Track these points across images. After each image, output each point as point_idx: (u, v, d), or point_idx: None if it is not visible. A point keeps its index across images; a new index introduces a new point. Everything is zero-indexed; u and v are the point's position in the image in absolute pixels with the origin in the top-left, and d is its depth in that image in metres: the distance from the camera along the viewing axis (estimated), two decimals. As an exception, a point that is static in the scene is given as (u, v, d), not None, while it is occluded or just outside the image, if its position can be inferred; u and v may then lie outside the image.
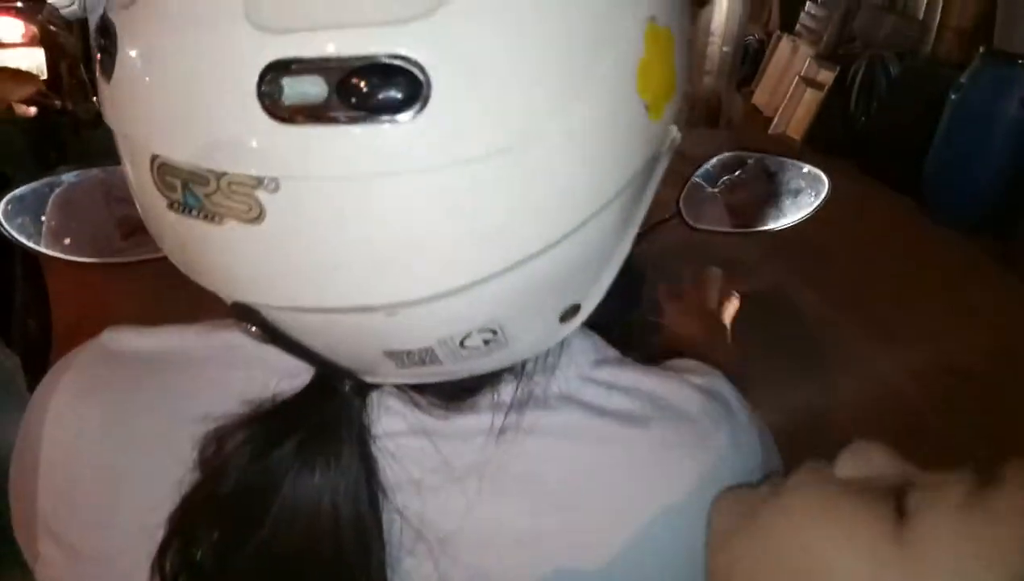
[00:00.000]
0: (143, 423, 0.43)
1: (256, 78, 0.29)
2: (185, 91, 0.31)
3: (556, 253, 0.35)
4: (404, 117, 0.30)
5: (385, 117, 0.30)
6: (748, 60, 5.32)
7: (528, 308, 0.38)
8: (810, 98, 4.63)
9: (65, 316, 2.19)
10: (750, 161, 0.92)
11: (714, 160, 0.91)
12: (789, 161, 0.90)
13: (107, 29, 0.34)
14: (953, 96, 3.63)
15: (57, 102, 3.00)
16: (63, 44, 3.25)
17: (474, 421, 0.42)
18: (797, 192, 0.90)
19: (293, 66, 0.29)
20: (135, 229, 0.80)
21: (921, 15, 4.23)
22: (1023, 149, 3.43)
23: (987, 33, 3.57)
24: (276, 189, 0.30)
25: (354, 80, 0.29)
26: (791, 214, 0.90)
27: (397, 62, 0.29)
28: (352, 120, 0.29)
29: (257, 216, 0.31)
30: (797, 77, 4.72)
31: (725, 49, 4.37)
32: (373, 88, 0.29)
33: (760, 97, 5.19)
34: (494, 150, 0.31)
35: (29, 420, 0.45)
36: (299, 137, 0.30)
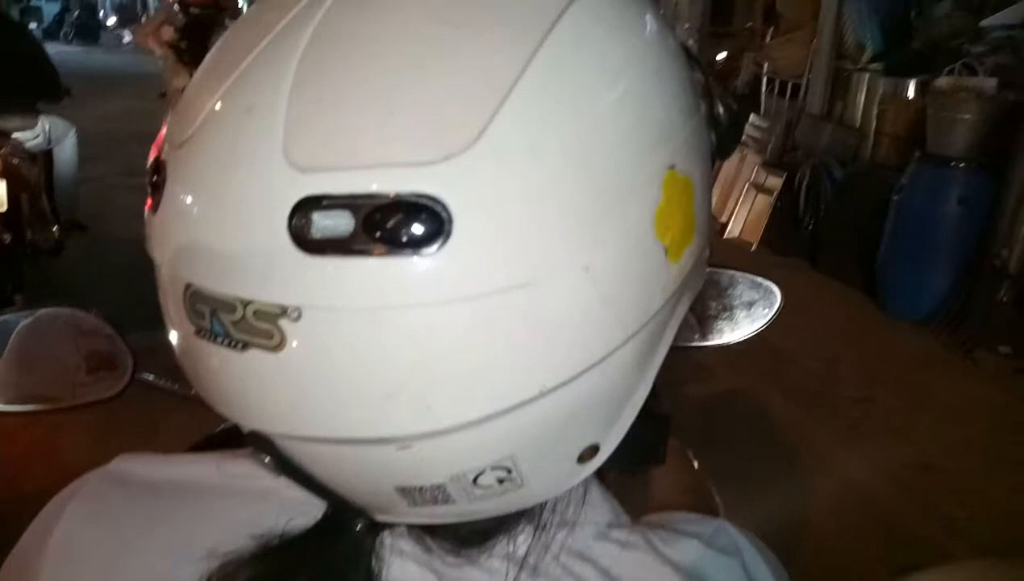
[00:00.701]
0: (148, 557, 0.41)
1: (288, 212, 0.31)
2: (222, 225, 0.33)
3: (573, 390, 0.35)
4: (426, 252, 0.31)
5: (408, 251, 0.31)
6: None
7: (544, 446, 0.37)
8: (761, 203, 4.81)
9: (12, 453, 2.10)
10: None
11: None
12: (740, 274, 0.92)
13: (159, 167, 0.36)
14: (895, 197, 3.80)
15: (6, 236, 2.99)
16: (25, 176, 3.28)
17: (486, 577, 0.41)
18: (751, 304, 0.91)
19: (324, 201, 0.31)
20: (101, 364, 0.78)
21: (858, 124, 4.47)
22: (967, 244, 3.57)
23: (920, 138, 3.79)
24: (299, 318, 0.31)
25: (380, 216, 0.31)
26: (746, 327, 0.91)
27: (422, 201, 0.31)
28: (376, 253, 0.31)
29: (278, 344, 0.32)
30: (747, 184, 4.91)
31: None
32: (398, 224, 0.31)
33: (714, 203, 5.38)
34: (512, 286, 0.32)
35: (28, 548, 0.44)
36: (324, 268, 0.31)
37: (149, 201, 0.37)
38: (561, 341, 0.34)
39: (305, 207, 0.31)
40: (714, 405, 2.92)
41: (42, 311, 0.77)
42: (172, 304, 0.36)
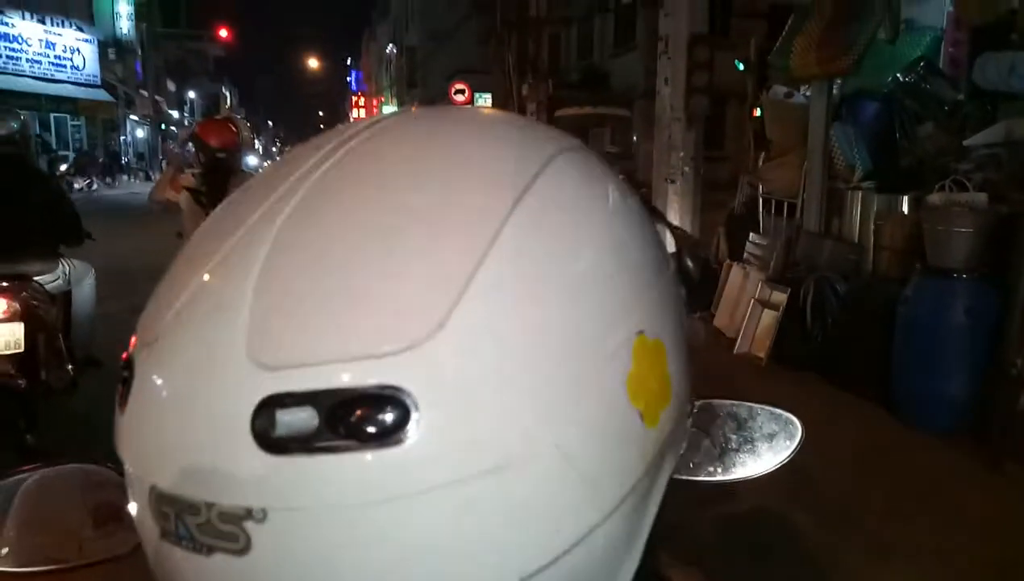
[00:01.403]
0: None
1: (252, 412, 0.31)
2: (185, 427, 0.33)
3: (555, 572, 0.34)
4: (392, 444, 0.30)
5: (373, 445, 0.30)
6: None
7: None
8: (767, 318, 4.84)
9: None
10: (722, 409, 0.94)
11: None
12: (759, 407, 0.93)
13: (129, 364, 0.36)
14: (901, 308, 3.83)
15: (21, 382, 3.02)
16: (44, 318, 3.34)
17: None
18: (772, 436, 0.92)
19: (287, 399, 0.30)
20: (110, 516, 0.77)
21: (856, 239, 4.57)
22: (979, 353, 3.56)
23: (918, 250, 3.86)
24: (264, 519, 0.31)
25: (343, 410, 0.30)
26: (768, 459, 0.91)
27: (386, 392, 0.31)
28: (341, 449, 0.30)
29: (244, 547, 0.31)
30: (752, 300, 4.97)
31: (681, 279, 4.64)
32: (362, 417, 0.30)
33: (720, 320, 5.42)
34: (483, 472, 0.32)
35: None
36: (289, 468, 0.30)
37: (117, 399, 0.37)
38: (539, 524, 0.34)
39: (269, 406, 0.30)
40: (739, 527, 2.82)
41: (46, 470, 0.77)
42: (139, 505, 0.35)
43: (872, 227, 4.47)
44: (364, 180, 0.38)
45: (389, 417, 0.31)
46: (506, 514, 0.33)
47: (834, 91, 4.79)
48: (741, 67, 7.31)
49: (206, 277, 0.35)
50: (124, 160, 22.86)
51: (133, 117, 28.28)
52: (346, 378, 0.31)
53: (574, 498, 0.34)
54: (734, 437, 0.92)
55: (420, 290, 0.33)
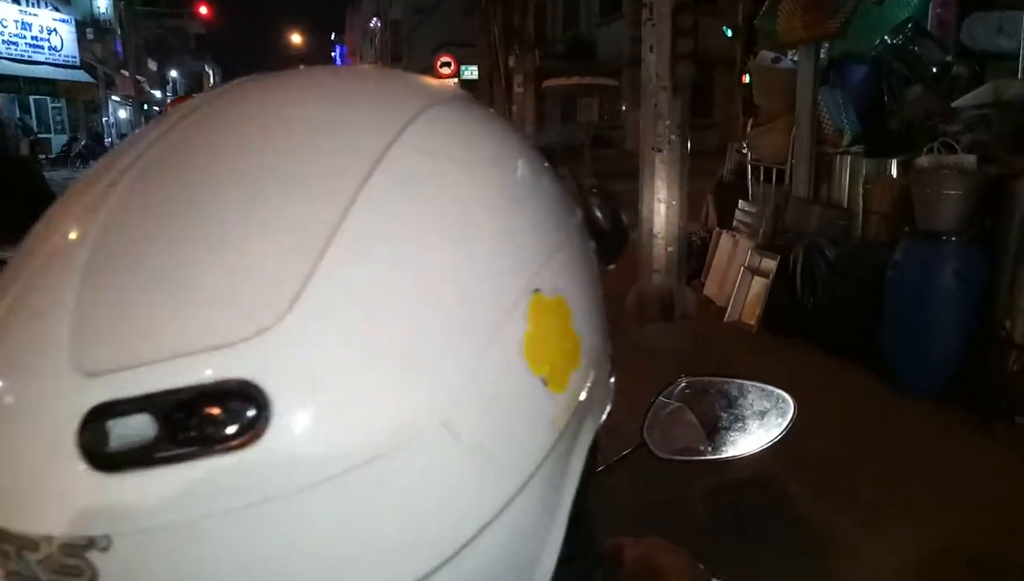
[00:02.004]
0: None
1: (76, 428, 0.27)
2: (10, 454, 0.28)
3: (467, 560, 0.31)
4: (244, 446, 0.27)
5: (222, 449, 0.27)
6: (694, 256, 5.62)
7: None
8: (757, 285, 4.84)
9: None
10: (712, 386, 0.93)
11: (670, 388, 0.92)
12: (750, 383, 0.91)
13: None
14: (890, 272, 3.83)
15: None
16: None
17: None
18: (763, 414, 0.90)
19: (117, 407, 0.27)
20: None
21: (845, 204, 4.56)
22: (968, 316, 3.57)
23: (908, 214, 3.85)
24: (108, 547, 0.27)
25: (183, 414, 0.27)
26: (760, 437, 0.89)
27: (231, 387, 0.27)
28: (185, 458, 0.27)
29: None
30: (742, 268, 4.96)
31: (670, 249, 4.62)
32: (206, 420, 0.27)
33: (710, 289, 5.41)
34: (355, 464, 0.28)
35: None
36: (127, 486, 0.27)
37: None
38: (436, 512, 0.30)
39: (97, 418, 0.27)
40: (730, 494, 2.84)
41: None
42: None
43: (861, 191, 4.46)
44: (198, 153, 0.34)
45: (238, 415, 0.27)
46: (391, 510, 0.29)
47: (821, 55, 4.75)
48: (729, 33, 7.26)
49: (22, 283, 0.31)
50: (108, 141, 22.52)
51: (115, 98, 27.88)
52: (184, 376, 0.27)
53: (471, 482, 0.31)
54: (724, 415, 0.90)
55: (267, 264, 0.30)
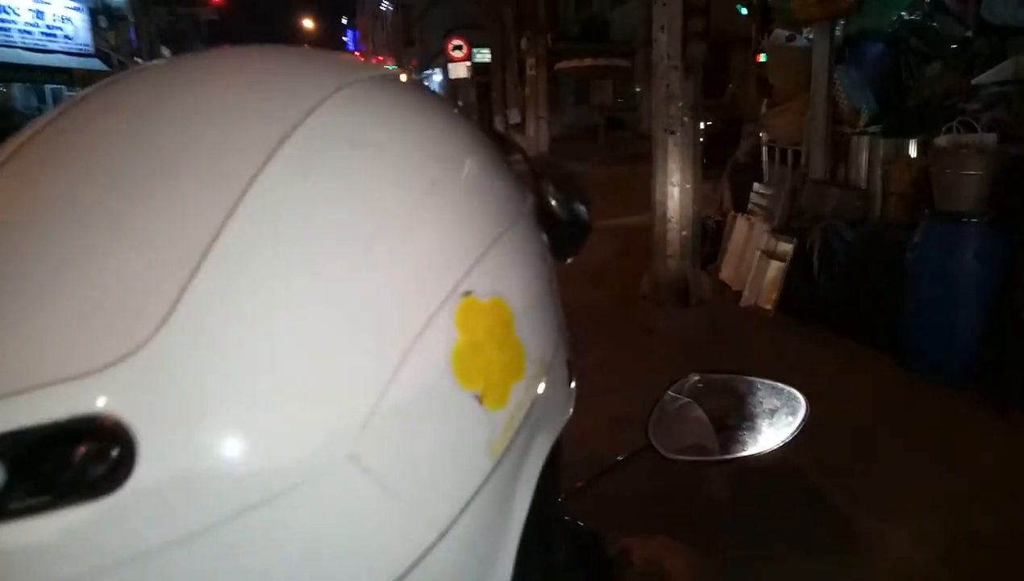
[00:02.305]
0: None
1: None
2: None
3: None
4: (107, 493, 0.23)
5: (80, 498, 0.23)
6: (709, 239, 5.56)
7: None
8: (774, 269, 4.78)
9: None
10: (720, 383, 0.90)
11: (678, 384, 0.89)
12: (759, 380, 0.88)
13: None
14: (909, 255, 3.76)
15: None
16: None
17: None
18: (773, 412, 0.87)
19: None
20: None
21: (863, 185, 4.48)
22: (988, 299, 3.50)
23: (927, 196, 3.77)
24: None
25: (36, 458, 0.23)
26: (771, 437, 0.86)
27: (90, 424, 0.23)
28: (38, 510, 0.23)
29: None
30: (758, 252, 4.90)
31: (684, 233, 4.57)
32: (59, 463, 0.23)
33: (726, 273, 5.36)
34: (243, 508, 0.24)
35: None
36: None
37: None
38: (346, 558, 0.27)
39: None
40: (745, 482, 2.81)
41: None
42: None
43: (879, 172, 4.38)
44: (69, 151, 0.29)
45: (98, 457, 0.23)
46: (291, 558, 0.26)
47: (837, 32, 4.64)
48: (744, 11, 7.13)
49: None
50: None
51: (129, 86, 27.90)
52: (34, 412, 0.23)
53: (387, 521, 0.27)
54: (733, 414, 0.88)
55: (135, 279, 0.25)
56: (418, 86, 0.40)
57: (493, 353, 0.32)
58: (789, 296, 4.62)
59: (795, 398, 0.86)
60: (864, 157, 4.48)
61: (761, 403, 0.87)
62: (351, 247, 0.29)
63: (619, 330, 4.71)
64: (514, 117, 17.03)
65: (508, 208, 0.36)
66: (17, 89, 20.01)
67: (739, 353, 4.24)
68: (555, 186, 0.44)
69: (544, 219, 0.41)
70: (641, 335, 4.58)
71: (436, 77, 30.55)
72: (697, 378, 0.88)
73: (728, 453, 0.87)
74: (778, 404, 0.87)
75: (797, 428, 0.86)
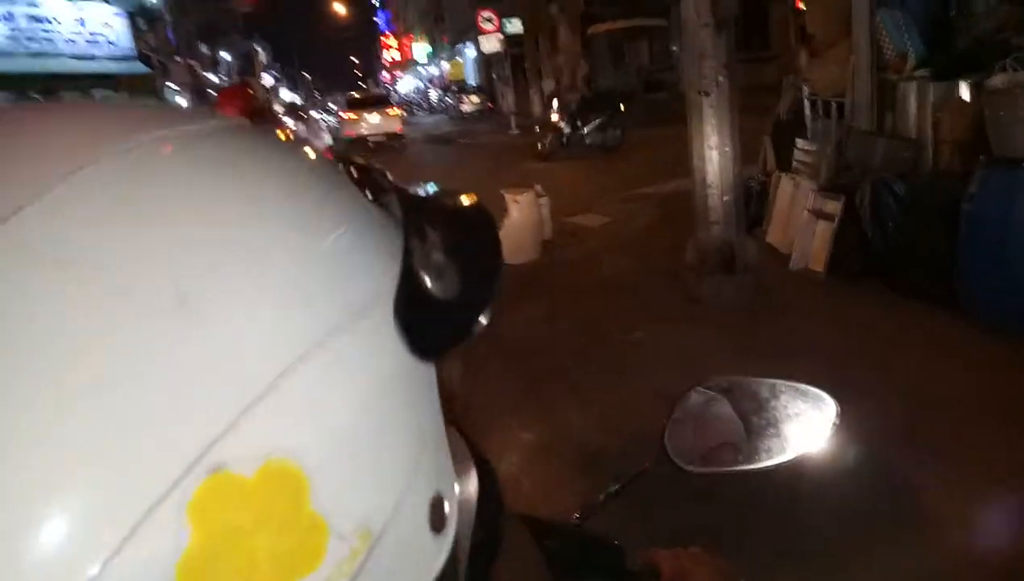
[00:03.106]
0: None
1: None
2: None
3: None
4: None
5: None
6: (753, 202, 5.38)
7: None
8: (822, 229, 4.60)
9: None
10: (739, 388, 0.83)
11: (694, 391, 0.83)
12: (783, 383, 0.81)
13: None
14: (966, 206, 3.57)
15: None
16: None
17: None
18: (798, 417, 0.80)
19: None
20: None
21: (913, 134, 4.26)
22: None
23: (983, 141, 3.56)
24: None
25: None
26: (797, 444, 0.79)
27: None
28: None
29: None
30: (805, 211, 4.72)
31: (726, 198, 4.42)
32: None
33: (773, 236, 5.18)
34: None
35: None
36: None
37: None
38: None
39: None
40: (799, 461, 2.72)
41: None
42: None
43: (929, 120, 4.15)
44: None
45: None
46: None
47: (879, -27, 4.40)
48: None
49: None
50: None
51: (171, 85, 28.51)
52: None
53: None
54: (754, 419, 0.81)
55: None
56: (222, 144, 0.31)
57: (260, 545, 0.23)
58: (840, 256, 4.45)
59: (823, 400, 0.79)
60: (912, 104, 4.25)
61: (785, 407, 0.80)
62: (17, 422, 0.21)
63: (662, 302, 4.61)
64: (549, 86, 16.79)
65: (330, 309, 0.28)
66: (67, 99, 20.62)
67: (790, 320, 4.10)
68: (446, 234, 0.35)
69: (414, 297, 0.31)
70: (686, 306, 4.48)
71: (469, 52, 30.34)
72: (710, 383, 0.82)
73: (753, 463, 0.81)
74: (804, 408, 0.80)
75: (828, 433, 0.79)
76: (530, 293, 5.03)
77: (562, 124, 11.37)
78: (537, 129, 13.52)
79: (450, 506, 0.30)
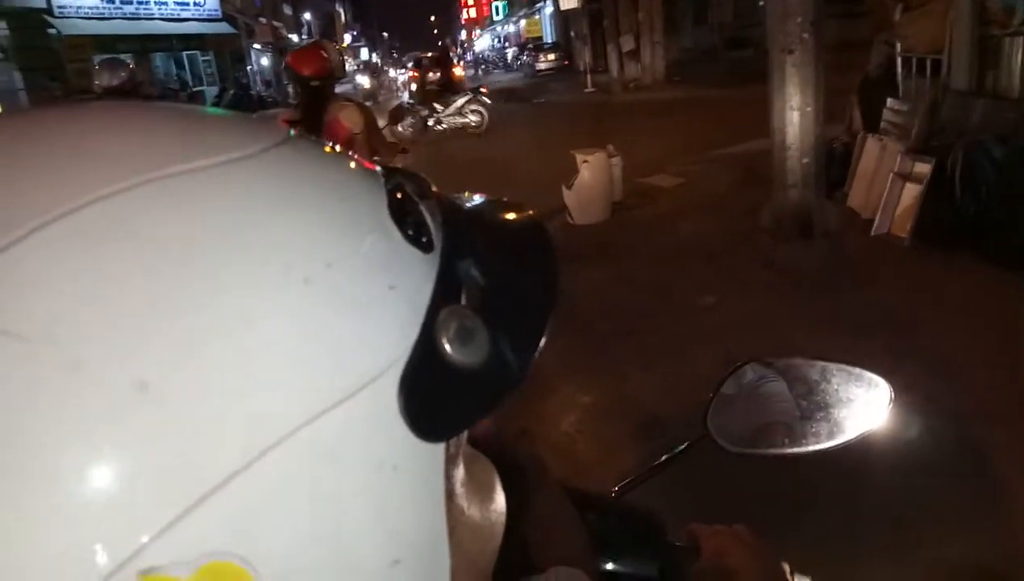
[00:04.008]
0: None
1: None
2: None
3: None
4: None
5: None
6: (836, 164, 5.15)
7: None
8: (909, 193, 4.37)
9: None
10: (788, 370, 0.80)
11: (736, 369, 0.80)
12: (835, 366, 0.78)
13: None
14: (1071, 171, 3.33)
15: None
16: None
17: None
18: (851, 401, 0.77)
19: None
20: None
21: (1016, 94, 3.97)
22: None
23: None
24: None
25: None
26: (847, 428, 0.76)
27: None
28: None
29: None
30: (892, 174, 4.48)
31: (805, 160, 4.24)
32: None
33: (855, 199, 4.95)
34: None
35: None
36: None
37: None
38: None
39: None
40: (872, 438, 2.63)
41: None
42: None
43: (1035, 78, 3.86)
44: None
45: None
46: None
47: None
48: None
49: None
50: (253, 91, 23.69)
51: (256, 46, 29.13)
52: None
53: None
54: (803, 403, 0.78)
55: None
56: (230, 179, 0.26)
57: None
58: (927, 222, 4.22)
59: (876, 383, 0.75)
60: (1018, 61, 3.95)
61: (836, 391, 0.77)
62: None
63: (736, 267, 4.49)
64: (628, 44, 16.36)
65: (312, 393, 0.24)
66: (159, 59, 21.36)
67: (870, 289, 3.93)
68: (491, 268, 0.30)
69: (430, 366, 0.27)
70: (760, 272, 4.34)
71: (547, 9, 29.80)
72: (757, 364, 0.79)
73: (800, 446, 0.78)
74: (858, 393, 0.76)
75: (882, 417, 0.75)
76: (599, 255, 4.98)
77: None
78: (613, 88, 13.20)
79: None
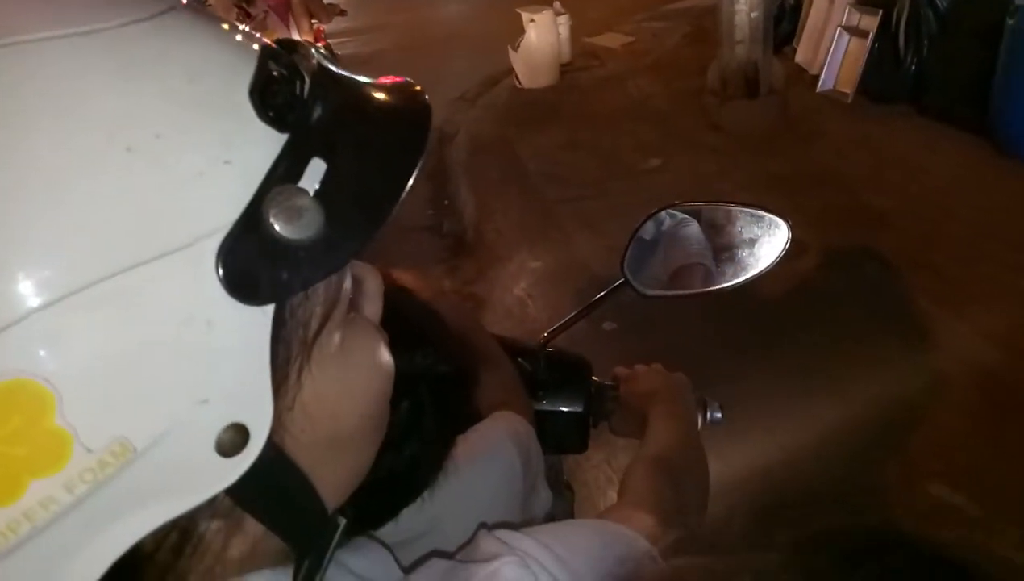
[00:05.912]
0: None
1: None
2: None
3: None
4: None
5: None
6: (786, 19, 5.07)
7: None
8: (855, 47, 4.36)
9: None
10: (697, 214, 0.85)
11: (651, 216, 0.84)
12: (738, 209, 0.82)
13: None
14: (1010, 21, 3.34)
15: None
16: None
17: None
18: (753, 242, 0.82)
19: None
20: None
21: (961, -59, 3.90)
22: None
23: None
24: None
25: None
26: (750, 266, 0.82)
27: None
28: None
29: None
30: (838, 28, 4.45)
31: (754, 15, 4.16)
32: None
33: (803, 55, 4.92)
34: None
35: None
36: None
37: None
38: None
39: None
40: (806, 280, 2.76)
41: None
42: None
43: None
44: None
45: None
46: None
47: None
48: None
49: None
50: None
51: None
52: None
53: None
54: (712, 244, 0.83)
55: None
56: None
57: None
58: (871, 77, 4.24)
59: (776, 223, 0.80)
60: (966, -96, 3.86)
61: (740, 233, 0.82)
62: None
63: (682, 128, 4.50)
64: None
65: (129, 247, 0.27)
66: None
67: (813, 146, 4.00)
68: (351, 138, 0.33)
69: (252, 240, 0.29)
70: (706, 133, 4.36)
71: None
72: (670, 210, 0.83)
73: (710, 285, 0.84)
74: (759, 232, 0.81)
75: (779, 255, 0.81)
76: (548, 120, 4.92)
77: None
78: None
79: (256, 435, 0.30)
